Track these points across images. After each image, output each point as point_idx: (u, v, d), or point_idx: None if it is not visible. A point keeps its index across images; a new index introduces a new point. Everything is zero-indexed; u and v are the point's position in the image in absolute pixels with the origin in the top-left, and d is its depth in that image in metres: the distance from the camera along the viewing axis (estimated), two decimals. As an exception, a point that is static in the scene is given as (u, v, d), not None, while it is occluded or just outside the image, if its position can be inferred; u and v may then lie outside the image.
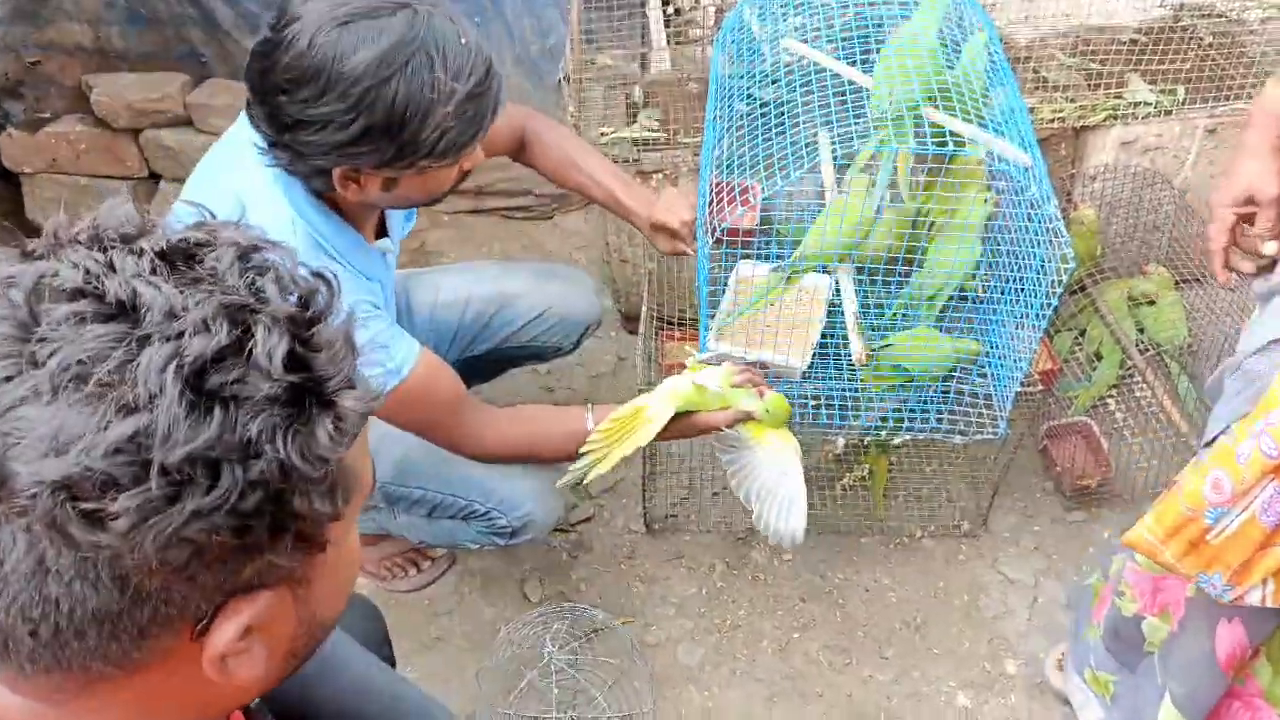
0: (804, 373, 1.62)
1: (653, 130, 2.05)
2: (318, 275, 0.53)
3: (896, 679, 1.68)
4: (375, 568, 1.81)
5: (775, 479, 1.38)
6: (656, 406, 1.37)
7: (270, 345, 0.47)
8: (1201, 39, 2.11)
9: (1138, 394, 2.03)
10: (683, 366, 1.65)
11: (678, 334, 2.00)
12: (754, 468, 1.40)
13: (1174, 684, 1.17)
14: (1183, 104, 2.06)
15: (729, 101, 1.64)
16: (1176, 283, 2.12)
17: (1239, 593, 0.93)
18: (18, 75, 2.39)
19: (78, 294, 0.47)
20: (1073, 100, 2.04)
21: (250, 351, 0.47)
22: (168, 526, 0.45)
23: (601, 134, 2.02)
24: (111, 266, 0.48)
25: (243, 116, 1.32)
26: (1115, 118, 2.04)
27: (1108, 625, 1.36)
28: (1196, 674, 1.13)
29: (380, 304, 1.36)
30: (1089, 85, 2.07)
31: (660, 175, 2.02)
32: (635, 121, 2.08)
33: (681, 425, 1.39)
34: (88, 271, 0.47)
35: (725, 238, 1.37)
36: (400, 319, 1.71)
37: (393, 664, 1.25)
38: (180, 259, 0.50)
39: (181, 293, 0.47)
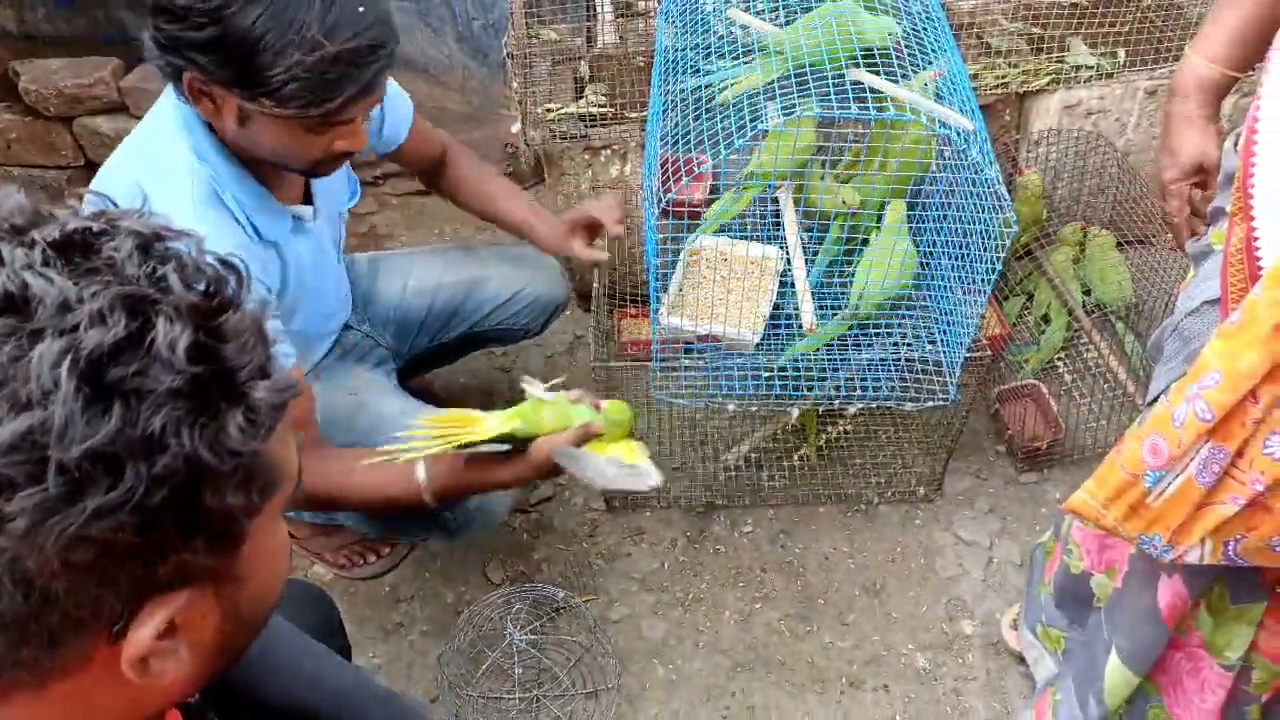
0: (756, 345, 1.63)
1: (600, 106, 2.03)
2: (225, 263, 0.51)
3: (857, 644, 1.71)
4: (333, 556, 1.79)
5: (622, 473, 1.28)
6: (491, 422, 1.26)
7: (172, 336, 0.46)
8: (1140, 1, 2.13)
9: (1085, 355, 2.06)
10: (633, 344, 1.63)
11: (632, 311, 2.00)
12: (600, 471, 1.27)
13: (1119, 638, 1.20)
14: (1123, 66, 2.08)
15: (675, 74, 1.63)
16: (1120, 243, 2.15)
17: (1178, 553, 0.95)
18: (-60, 63, 2.31)
19: None
20: (1015, 65, 2.05)
21: (151, 343, 0.45)
22: (69, 526, 0.43)
23: (547, 110, 2.00)
24: None
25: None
26: (1058, 82, 2.05)
27: (1057, 583, 1.39)
28: (1140, 628, 1.16)
29: (272, 281, 1.30)
30: (1032, 50, 2.09)
31: (609, 151, 2.01)
32: (582, 97, 2.06)
33: (523, 464, 1.26)
34: None
35: (672, 209, 1.36)
36: (360, 305, 1.70)
37: (348, 653, 1.24)
38: (76, 250, 0.47)
39: (76, 284, 0.45)
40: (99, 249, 0.48)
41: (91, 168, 2.42)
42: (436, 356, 1.87)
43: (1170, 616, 1.11)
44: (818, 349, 1.58)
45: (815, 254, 1.72)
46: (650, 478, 1.27)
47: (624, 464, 1.26)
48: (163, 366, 0.45)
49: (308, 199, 1.41)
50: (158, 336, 0.45)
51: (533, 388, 1.29)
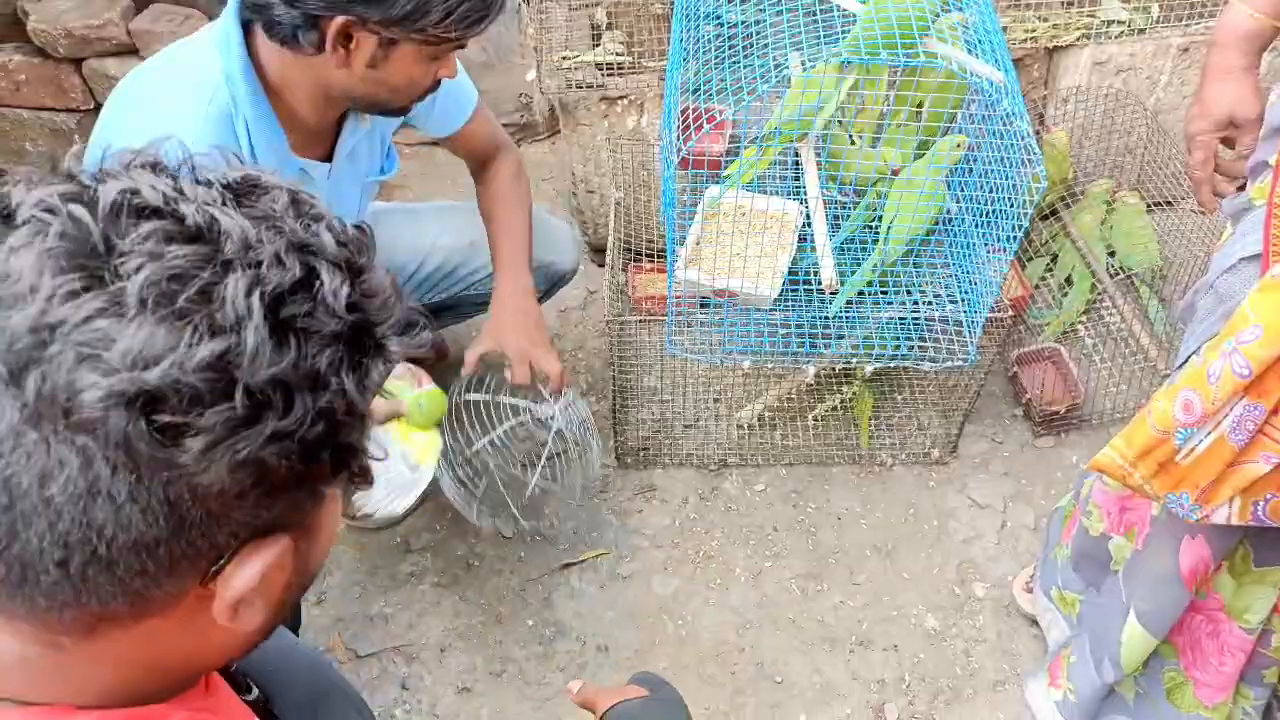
0: (774, 301, 1.60)
1: (617, 54, 1.99)
2: (358, 228, 0.54)
3: (867, 604, 1.70)
4: (346, 505, 1.79)
5: (403, 470, 1.28)
6: None
7: (334, 285, 0.49)
8: (1177, -45, 2.06)
9: (1108, 319, 2.03)
10: (647, 299, 1.60)
11: (647, 265, 1.97)
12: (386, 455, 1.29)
13: (1138, 600, 1.18)
14: (1156, 22, 2.02)
15: (696, 23, 1.59)
16: (1148, 205, 2.11)
17: (1206, 512, 0.94)
18: (-52, 2, 2.27)
19: (157, 213, 0.47)
20: (1046, 19, 2.00)
21: (318, 289, 0.48)
22: (245, 447, 0.46)
23: (564, 58, 1.96)
24: (182, 192, 0.48)
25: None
26: (1088, 37, 2.00)
27: (1075, 545, 1.38)
28: (1160, 589, 1.15)
29: None
30: (1062, 4, 2.02)
31: (625, 101, 1.97)
32: (599, 45, 2.01)
33: None
34: (165, 194, 0.47)
35: (692, 159, 1.33)
36: None
37: (295, 606, 1.22)
38: (242, 196, 0.50)
39: (254, 226, 0.48)
40: (258, 199, 0.51)
41: (100, 111, 2.39)
42: (440, 315, 1.84)
43: (1191, 578, 1.10)
44: (852, 296, 1.55)
45: (844, 218, 1.68)
46: (417, 489, 1.27)
47: (411, 460, 1.27)
48: (327, 311, 0.48)
49: (329, 160, 1.39)
50: (323, 284, 0.48)
51: None
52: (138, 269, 0.44)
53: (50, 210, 0.45)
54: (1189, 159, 1.22)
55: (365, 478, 0.55)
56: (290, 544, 0.53)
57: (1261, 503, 0.90)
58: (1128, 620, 1.19)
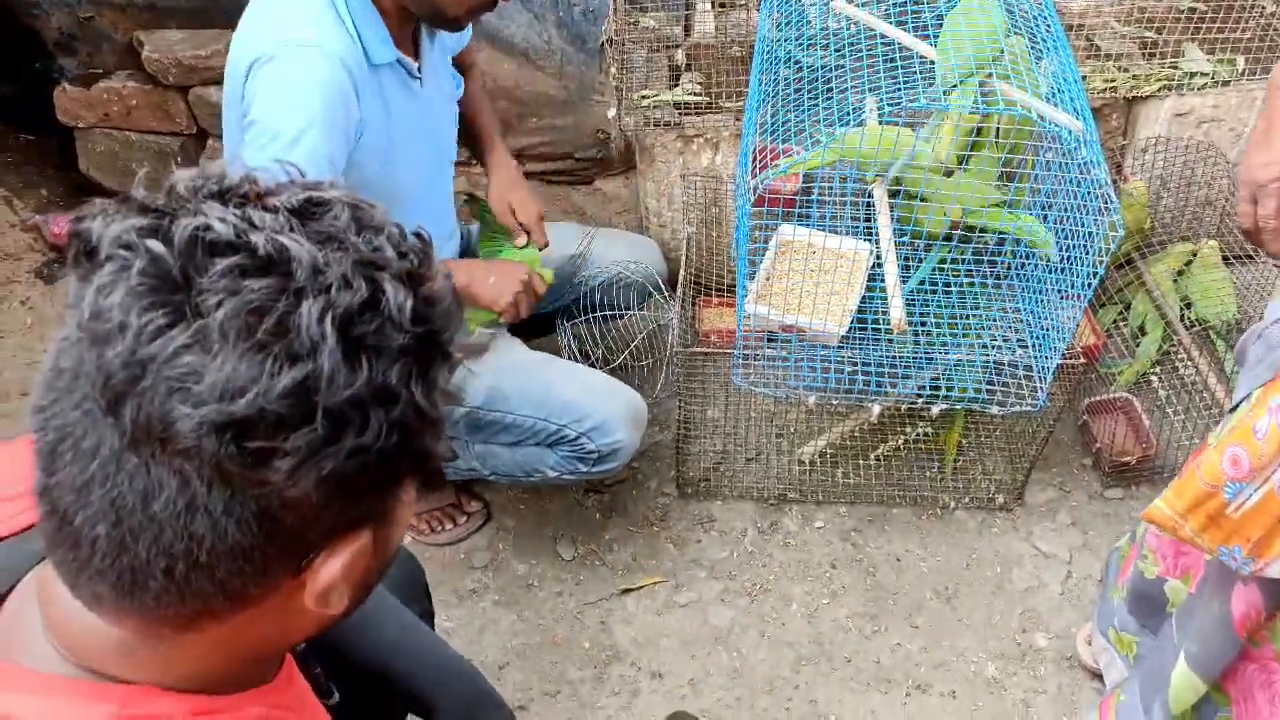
0: (841, 339, 1.62)
1: (695, 94, 2.04)
2: (416, 235, 0.56)
3: (925, 648, 1.69)
4: (415, 520, 1.84)
5: None
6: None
7: (399, 301, 0.50)
8: (1264, 8, 2.04)
9: (1182, 371, 2.00)
10: (714, 332, 1.62)
11: (715, 299, 2.01)
12: None
13: (1189, 643, 1.16)
14: (1241, 75, 2.00)
15: (774, 65, 1.63)
16: (1226, 259, 2.08)
17: (1259, 565, 0.93)
18: (71, 30, 2.43)
19: (230, 248, 0.49)
20: (1126, 70, 1.99)
21: (384, 305, 0.50)
22: (329, 464, 0.49)
23: (643, 97, 2.02)
24: (251, 223, 0.50)
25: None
26: (1170, 88, 1.99)
27: (1131, 587, 1.36)
28: (1211, 635, 1.13)
29: (373, 109, 1.35)
30: (1144, 54, 2.02)
31: (701, 139, 2.01)
32: (677, 85, 2.07)
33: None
34: (235, 226, 0.49)
35: (768, 196, 1.37)
36: None
37: (430, 617, 1.27)
38: (305, 218, 0.52)
39: (320, 249, 0.50)
40: (321, 218, 0.52)
41: (202, 136, 2.52)
42: (542, 325, 1.91)
43: (1243, 626, 1.08)
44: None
45: (914, 262, 1.69)
46: None
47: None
48: (393, 326, 0.50)
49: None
50: (388, 300, 0.50)
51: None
52: (218, 304, 0.47)
53: (128, 247, 0.48)
54: (1258, 210, 1.20)
55: (437, 482, 0.58)
56: (371, 535, 0.57)
57: None
58: (1177, 662, 1.17)
